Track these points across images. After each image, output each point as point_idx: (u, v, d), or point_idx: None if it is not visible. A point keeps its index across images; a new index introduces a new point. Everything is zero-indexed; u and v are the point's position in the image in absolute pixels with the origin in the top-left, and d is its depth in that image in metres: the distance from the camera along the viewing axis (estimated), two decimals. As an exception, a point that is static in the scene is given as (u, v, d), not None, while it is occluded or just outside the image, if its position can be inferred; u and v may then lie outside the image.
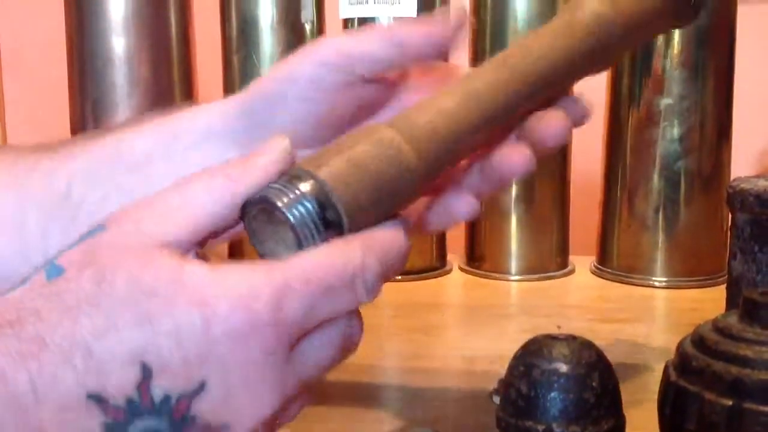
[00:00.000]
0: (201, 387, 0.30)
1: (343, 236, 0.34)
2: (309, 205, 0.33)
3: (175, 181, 0.34)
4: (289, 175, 0.34)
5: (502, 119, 0.40)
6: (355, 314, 0.34)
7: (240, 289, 0.30)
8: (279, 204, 0.33)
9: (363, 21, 0.83)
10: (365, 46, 0.39)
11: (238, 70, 0.86)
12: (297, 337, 0.32)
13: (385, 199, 0.36)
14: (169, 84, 0.81)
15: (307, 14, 0.86)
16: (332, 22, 0.88)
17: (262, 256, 0.35)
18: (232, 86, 0.86)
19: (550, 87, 0.42)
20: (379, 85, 0.41)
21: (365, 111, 0.42)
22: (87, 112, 0.81)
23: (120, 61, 0.78)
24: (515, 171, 0.40)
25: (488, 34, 0.85)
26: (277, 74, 0.41)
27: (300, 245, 0.33)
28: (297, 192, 0.33)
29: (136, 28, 0.79)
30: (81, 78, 0.82)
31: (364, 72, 0.39)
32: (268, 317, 0.30)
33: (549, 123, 0.41)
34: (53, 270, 0.30)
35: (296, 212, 0.33)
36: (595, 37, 0.42)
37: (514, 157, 0.40)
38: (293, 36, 0.85)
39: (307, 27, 0.86)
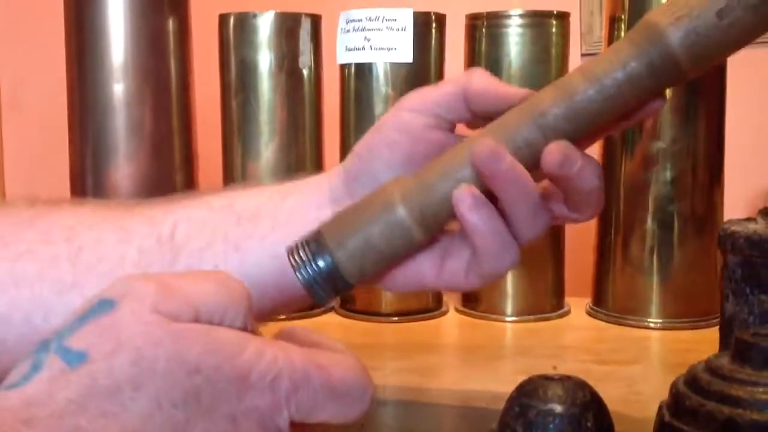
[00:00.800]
0: None
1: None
2: (319, 272, 0.43)
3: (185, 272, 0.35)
4: (315, 242, 0.43)
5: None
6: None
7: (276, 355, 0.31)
8: (295, 267, 0.43)
9: (360, 67, 0.85)
10: (443, 91, 0.45)
11: (237, 115, 0.87)
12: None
13: (389, 266, 0.44)
14: (168, 129, 0.82)
15: (305, 60, 0.88)
16: (330, 68, 0.90)
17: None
18: (231, 131, 0.87)
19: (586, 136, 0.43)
20: (451, 129, 0.47)
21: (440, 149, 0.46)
22: (87, 158, 0.82)
23: (120, 107, 0.80)
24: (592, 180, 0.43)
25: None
26: (368, 133, 0.47)
27: (316, 297, 0.44)
28: (314, 263, 0.43)
29: (136, 73, 0.80)
30: (81, 123, 0.83)
31: (444, 115, 0.45)
32: (283, 397, 0.31)
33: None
34: (71, 355, 0.28)
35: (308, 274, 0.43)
36: (658, 79, 0.41)
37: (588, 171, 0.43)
38: (292, 81, 0.87)
39: (305, 72, 0.88)
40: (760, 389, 0.40)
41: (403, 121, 0.45)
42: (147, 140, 0.80)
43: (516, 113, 0.42)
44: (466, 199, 0.41)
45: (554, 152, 0.41)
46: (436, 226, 0.44)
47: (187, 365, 0.29)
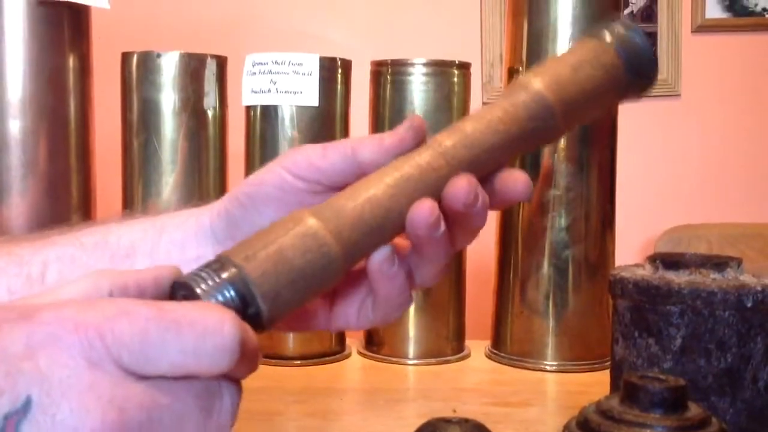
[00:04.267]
0: (27, 403, 0.28)
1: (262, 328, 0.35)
2: (228, 294, 0.35)
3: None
4: (218, 262, 0.36)
5: (434, 194, 0.41)
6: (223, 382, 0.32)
7: (71, 302, 0.31)
8: (198, 291, 0.35)
9: (266, 109, 0.85)
10: (331, 161, 0.43)
11: (138, 154, 0.86)
12: (133, 364, 0.30)
13: (307, 288, 0.37)
14: (65, 168, 0.80)
15: (210, 101, 0.87)
16: (235, 109, 0.89)
17: None
18: (131, 171, 0.86)
19: (484, 169, 0.43)
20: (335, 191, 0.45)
21: None
22: (-21, 195, 0.79)
23: (15, 144, 0.77)
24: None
25: (387, 127, 0.88)
26: (252, 179, 0.45)
27: None
28: (217, 280, 0.35)
29: (33, 110, 0.78)
30: (-27, 160, 0.80)
31: (326, 182, 0.43)
32: (95, 322, 0.30)
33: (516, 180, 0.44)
34: None
35: (214, 299, 0.35)
36: (535, 121, 0.43)
37: (517, 180, 0.43)
38: (195, 121, 0.86)
39: (210, 113, 0.87)
40: (647, 430, 0.41)
41: (286, 182, 0.44)
42: (42, 178, 0.78)
43: (408, 159, 0.42)
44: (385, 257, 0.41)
45: (464, 185, 0.41)
46: (357, 252, 0.40)
47: None
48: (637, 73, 0.46)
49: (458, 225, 0.43)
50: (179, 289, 0.36)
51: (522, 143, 0.44)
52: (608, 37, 0.46)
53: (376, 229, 0.40)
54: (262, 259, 0.36)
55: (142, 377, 0.30)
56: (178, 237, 0.46)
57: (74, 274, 0.44)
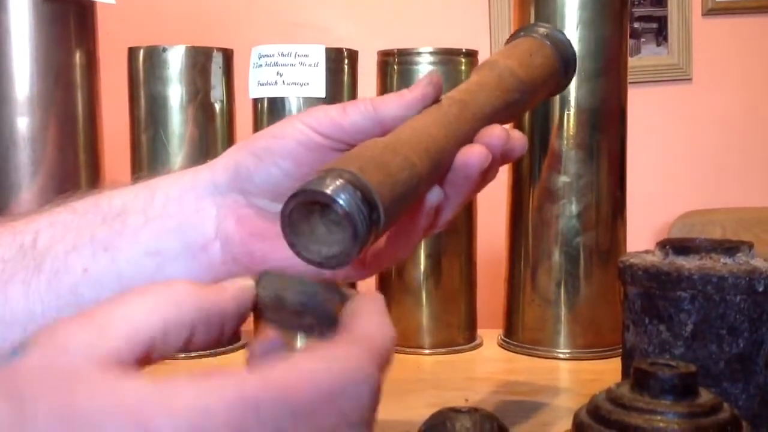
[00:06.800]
0: None
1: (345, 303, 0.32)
2: (357, 196, 0.36)
3: (111, 298, 0.30)
4: (333, 171, 0.37)
5: (466, 139, 0.45)
6: None
7: (187, 402, 0.25)
8: (327, 191, 0.35)
9: (272, 101, 0.85)
10: (353, 118, 0.44)
11: (146, 148, 0.86)
12: None
13: (403, 203, 0.39)
14: (74, 164, 0.80)
15: (217, 94, 0.87)
16: (242, 102, 0.89)
17: (301, 255, 0.37)
18: (140, 166, 0.86)
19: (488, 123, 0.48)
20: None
21: None
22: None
23: (24, 142, 0.77)
24: (474, 164, 0.44)
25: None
26: (270, 131, 0.45)
27: (356, 236, 0.35)
28: (338, 183, 0.36)
29: (41, 107, 0.78)
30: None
31: (348, 140, 0.44)
32: None
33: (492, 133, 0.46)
34: None
35: (343, 200, 0.35)
36: (517, 93, 0.51)
37: (472, 155, 0.44)
38: (203, 115, 0.86)
39: (217, 106, 0.87)
40: (658, 417, 0.41)
41: (310, 139, 0.44)
42: (52, 175, 0.78)
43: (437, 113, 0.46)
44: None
45: (500, 132, 0.46)
46: (429, 180, 0.42)
47: (69, 413, 0.25)
48: (566, 64, 0.56)
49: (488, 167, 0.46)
50: (299, 195, 0.36)
51: (511, 108, 0.51)
52: (541, 36, 0.56)
53: (437, 164, 0.42)
54: (374, 170, 0.37)
55: None
56: (175, 192, 0.46)
57: (66, 237, 0.44)
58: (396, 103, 0.44)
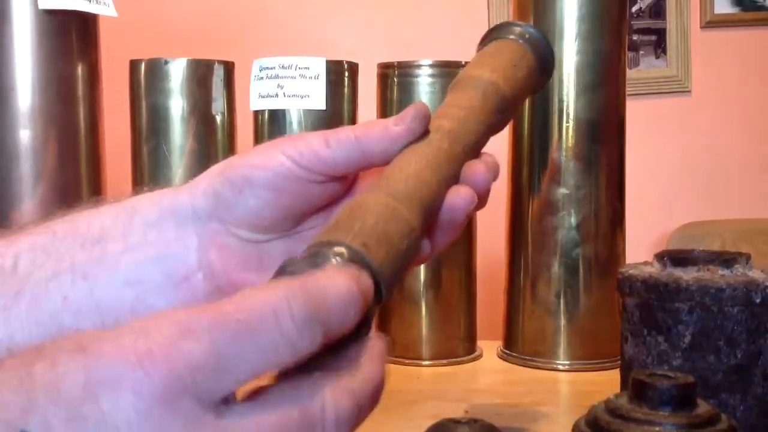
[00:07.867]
0: None
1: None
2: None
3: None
4: (335, 245, 0.34)
5: (455, 178, 0.44)
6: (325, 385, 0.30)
7: (128, 329, 0.27)
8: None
9: (273, 113, 0.86)
10: (336, 152, 0.42)
11: (148, 160, 0.86)
12: (212, 387, 0.27)
13: (404, 273, 0.38)
14: (76, 176, 0.80)
15: (218, 106, 0.88)
16: (243, 114, 0.90)
17: None
18: (141, 177, 0.86)
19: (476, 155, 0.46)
20: (340, 182, 0.44)
21: (324, 202, 0.44)
22: (-10, 205, 0.80)
23: (26, 153, 0.78)
24: (462, 208, 0.43)
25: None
26: (249, 160, 0.43)
27: None
28: (339, 261, 0.34)
29: (43, 119, 0.78)
30: (-16, 169, 0.80)
31: (331, 173, 0.42)
32: (161, 352, 0.26)
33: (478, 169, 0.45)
34: None
35: None
36: (500, 113, 0.48)
37: (459, 198, 0.43)
38: (204, 127, 0.87)
39: (218, 119, 0.88)
40: (657, 428, 0.41)
41: (291, 171, 0.42)
42: (53, 187, 0.79)
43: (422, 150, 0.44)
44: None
45: (482, 169, 0.44)
46: (424, 217, 0.41)
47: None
48: (544, 64, 0.52)
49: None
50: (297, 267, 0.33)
51: (491, 132, 0.48)
52: (520, 39, 0.52)
53: (429, 216, 0.41)
54: (376, 245, 0.35)
55: (222, 406, 0.27)
56: (153, 217, 0.44)
57: (46, 263, 0.43)
58: (380, 136, 0.43)
